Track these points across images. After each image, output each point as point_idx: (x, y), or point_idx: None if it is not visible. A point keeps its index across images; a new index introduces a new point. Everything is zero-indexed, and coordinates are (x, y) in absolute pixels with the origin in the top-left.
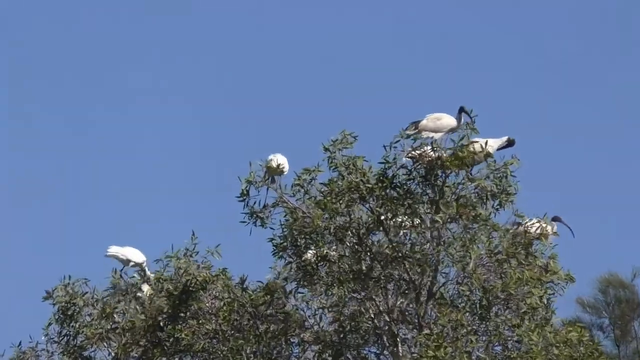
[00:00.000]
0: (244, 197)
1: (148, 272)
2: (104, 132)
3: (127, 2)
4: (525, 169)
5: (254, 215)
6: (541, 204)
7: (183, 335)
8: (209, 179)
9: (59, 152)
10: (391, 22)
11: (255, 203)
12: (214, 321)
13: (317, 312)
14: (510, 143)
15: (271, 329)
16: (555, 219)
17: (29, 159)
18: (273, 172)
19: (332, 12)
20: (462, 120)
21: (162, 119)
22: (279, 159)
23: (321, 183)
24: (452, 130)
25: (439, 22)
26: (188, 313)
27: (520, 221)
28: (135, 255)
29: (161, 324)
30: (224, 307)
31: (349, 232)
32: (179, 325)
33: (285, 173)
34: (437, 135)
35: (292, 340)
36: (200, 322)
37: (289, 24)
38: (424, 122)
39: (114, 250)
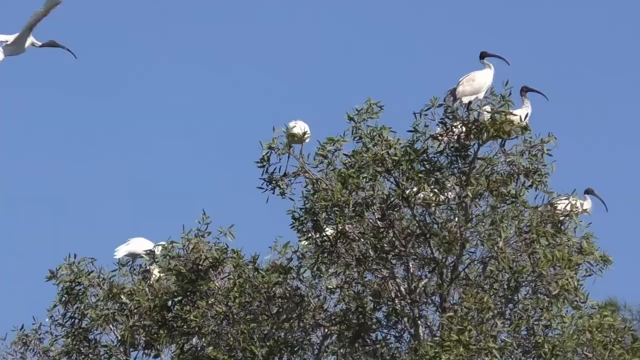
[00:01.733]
0: (264, 164)
1: (158, 251)
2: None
3: None
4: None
5: (273, 182)
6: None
7: (192, 317)
8: (229, 149)
9: (62, 126)
10: None
11: (275, 170)
12: (224, 303)
13: (321, 293)
14: None
15: (284, 309)
16: (587, 191)
17: (30, 134)
18: (297, 140)
19: None
20: (492, 67)
21: (178, 84)
22: (302, 126)
23: (345, 154)
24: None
25: None
26: (197, 294)
27: (551, 199)
28: (142, 246)
29: (169, 304)
30: (235, 288)
31: (372, 207)
32: (188, 306)
33: (307, 141)
34: (480, 95)
35: (304, 322)
36: (209, 303)
37: None
38: (460, 89)
39: (122, 252)
